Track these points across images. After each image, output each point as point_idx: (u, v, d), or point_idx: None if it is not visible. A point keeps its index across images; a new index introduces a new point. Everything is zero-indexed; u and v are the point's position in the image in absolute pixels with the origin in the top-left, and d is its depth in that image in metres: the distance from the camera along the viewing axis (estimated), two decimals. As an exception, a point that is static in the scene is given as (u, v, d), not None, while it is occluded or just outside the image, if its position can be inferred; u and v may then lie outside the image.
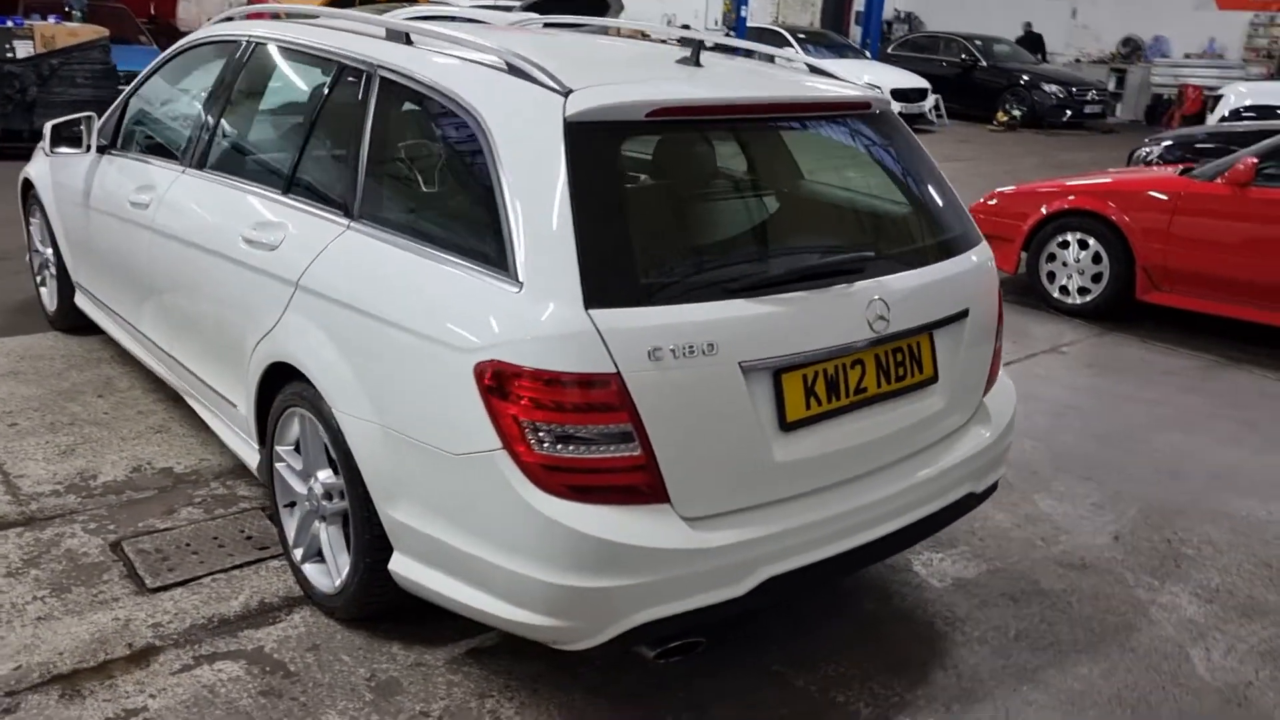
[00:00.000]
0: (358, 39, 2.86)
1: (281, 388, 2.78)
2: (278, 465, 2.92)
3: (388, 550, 2.50)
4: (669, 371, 2.11)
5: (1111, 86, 19.06)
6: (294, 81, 3.28)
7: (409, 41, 2.71)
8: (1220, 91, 12.05)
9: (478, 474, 2.17)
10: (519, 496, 2.12)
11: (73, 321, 4.57)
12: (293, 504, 2.94)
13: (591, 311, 2.08)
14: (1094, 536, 3.47)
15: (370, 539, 2.53)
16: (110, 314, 4.03)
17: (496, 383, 2.12)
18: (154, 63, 3.97)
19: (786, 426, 2.28)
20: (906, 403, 2.50)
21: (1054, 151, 14.27)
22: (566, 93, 2.26)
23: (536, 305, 2.11)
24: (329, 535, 2.74)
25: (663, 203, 2.47)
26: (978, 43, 18.09)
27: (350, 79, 2.82)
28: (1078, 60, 20.99)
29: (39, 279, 4.85)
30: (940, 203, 2.75)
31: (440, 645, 2.70)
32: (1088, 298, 6.08)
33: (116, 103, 4.06)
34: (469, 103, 2.38)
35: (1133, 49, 20.91)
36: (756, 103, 2.50)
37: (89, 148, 3.97)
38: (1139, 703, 2.61)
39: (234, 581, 2.94)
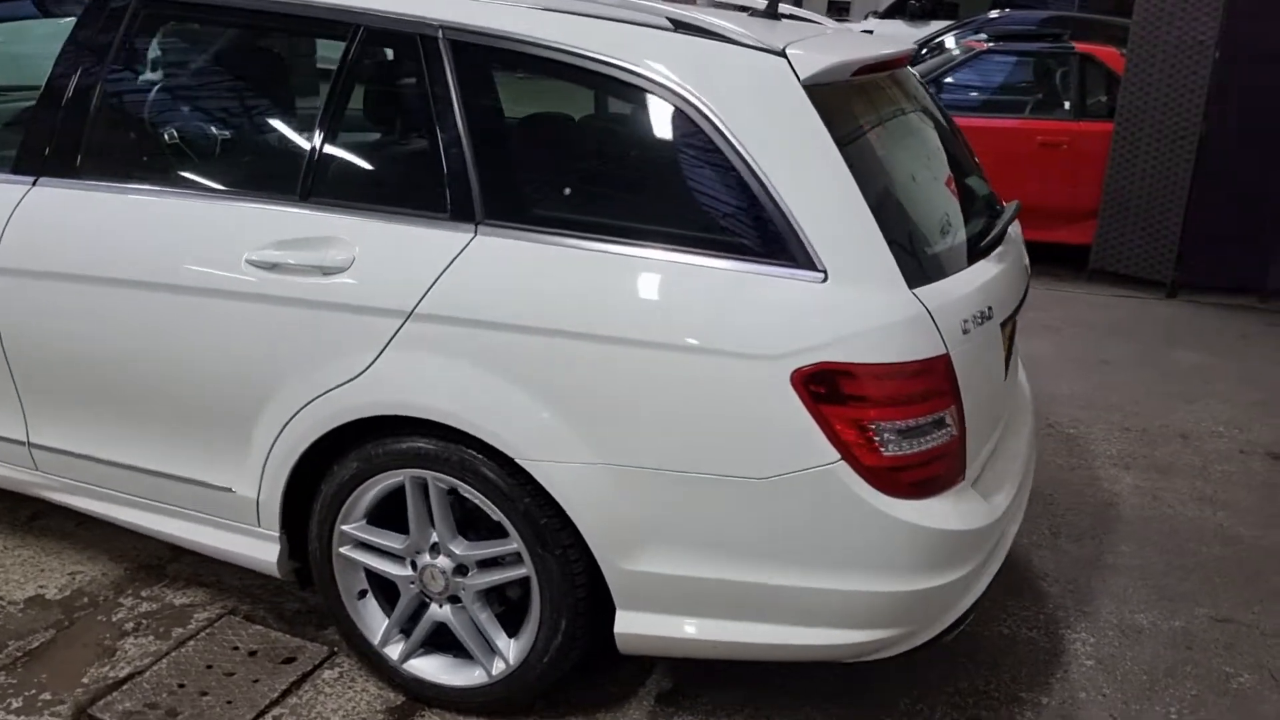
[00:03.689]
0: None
1: (340, 453, 2.16)
2: (342, 550, 2.27)
3: (598, 613, 2.10)
4: (972, 342, 2.01)
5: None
6: (280, 54, 2.45)
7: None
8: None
9: (805, 494, 1.89)
10: (870, 507, 1.89)
11: None
12: (364, 592, 2.32)
13: (915, 291, 1.91)
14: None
15: (574, 603, 2.09)
16: None
17: (828, 387, 1.85)
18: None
19: (1005, 378, 2.30)
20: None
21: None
22: (780, 52, 2.00)
23: (856, 293, 1.87)
24: (480, 617, 2.21)
25: (890, 166, 2.24)
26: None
27: (389, 49, 2.19)
28: None
29: None
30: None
31: (625, 702, 2.33)
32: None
33: None
34: (657, 70, 1.98)
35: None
36: (903, 57, 2.40)
37: None
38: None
39: (300, 716, 2.25)
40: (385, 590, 2.34)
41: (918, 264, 1.94)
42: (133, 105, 2.42)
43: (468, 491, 2.10)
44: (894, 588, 1.94)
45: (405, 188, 2.20)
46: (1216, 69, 5.69)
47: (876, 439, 1.87)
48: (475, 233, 2.04)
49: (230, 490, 2.33)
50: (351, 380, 2.10)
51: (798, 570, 1.95)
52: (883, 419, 1.87)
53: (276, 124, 2.46)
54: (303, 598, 2.68)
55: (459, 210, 2.06)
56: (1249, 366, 4.87)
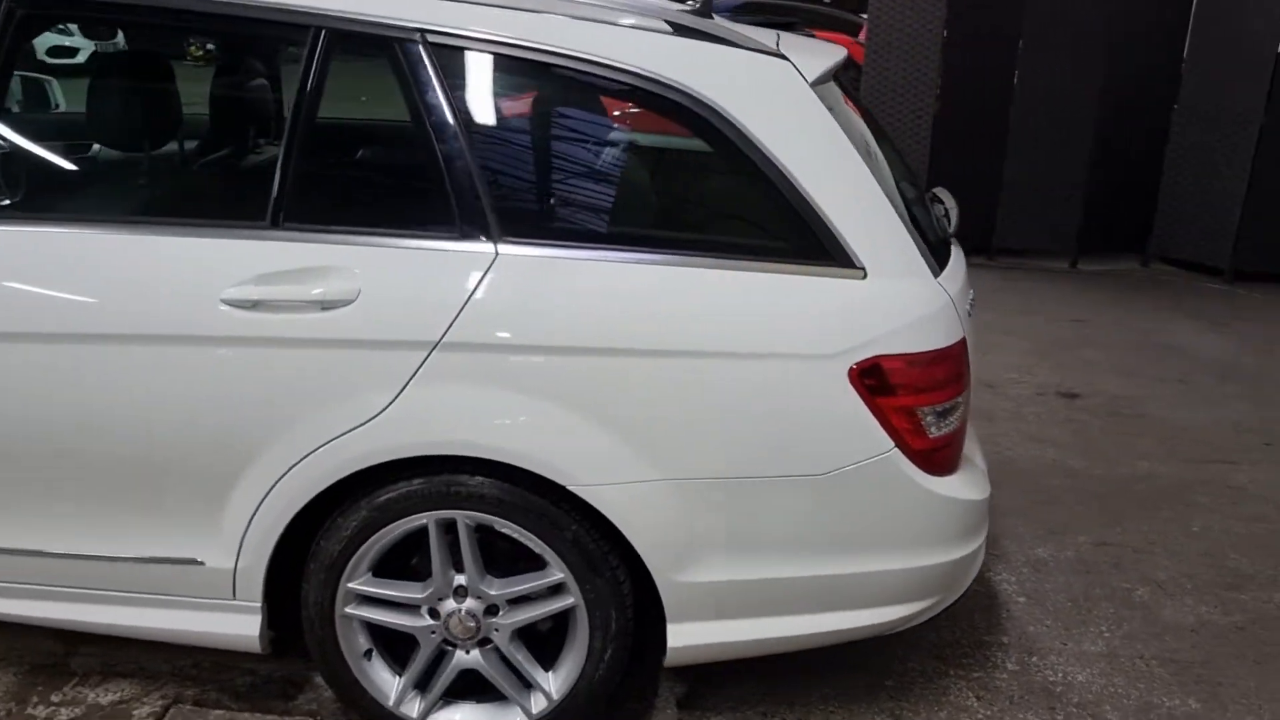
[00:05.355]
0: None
1: (336, 505, 1.97)
2: (348, 610, 2.07)
3: (642, 631, 2.07)
4: (969, 325, 2.16)
5: None
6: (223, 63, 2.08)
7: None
8: None
9: (863, 484, 1.96)
10: (920, 488, 1.99)
11: None
12: (369, 652, 2.13)
13: (940, 280, 2.02)
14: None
15: (623, 625, 2.05)
16: None
17: (880, 379, 1.93)
18: None
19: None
20: None
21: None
22: (782, 55, 2.03)
23: (895, 287, 1.95)
24: (517, 657, 2.09)
25: (874, 163, 2.28)
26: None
27: (360, 51, 1.97)
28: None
29: None
30: None
31: (650, 714, 2.30)
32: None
33: None
34: (664, 73, 1.94)
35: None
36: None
37: None
38: (1037, 500, 3.45)
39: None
40: (389, 646, 2.15)
41: (931, 255, 2.06)
42: (45, 123, 2.02)
43: (505, 526, 1.98)
44: (938, 559, 2.07)
45: (404, 207, 2.01)
46: (946, 52, 6.37)
47: (923, 423, 1.98)
48: (496, 251, 1.91)
49: (198, 562, 2.04)
50: (367, 423, 1.91)
51: (854, 557, 2.03)
52: (926, 404, 1.98)
53: (235, 141, 2.15)
54: (250, 669, 2.39)
55: (471, 228, 1.92)
56: (1010, 321, 5.54)
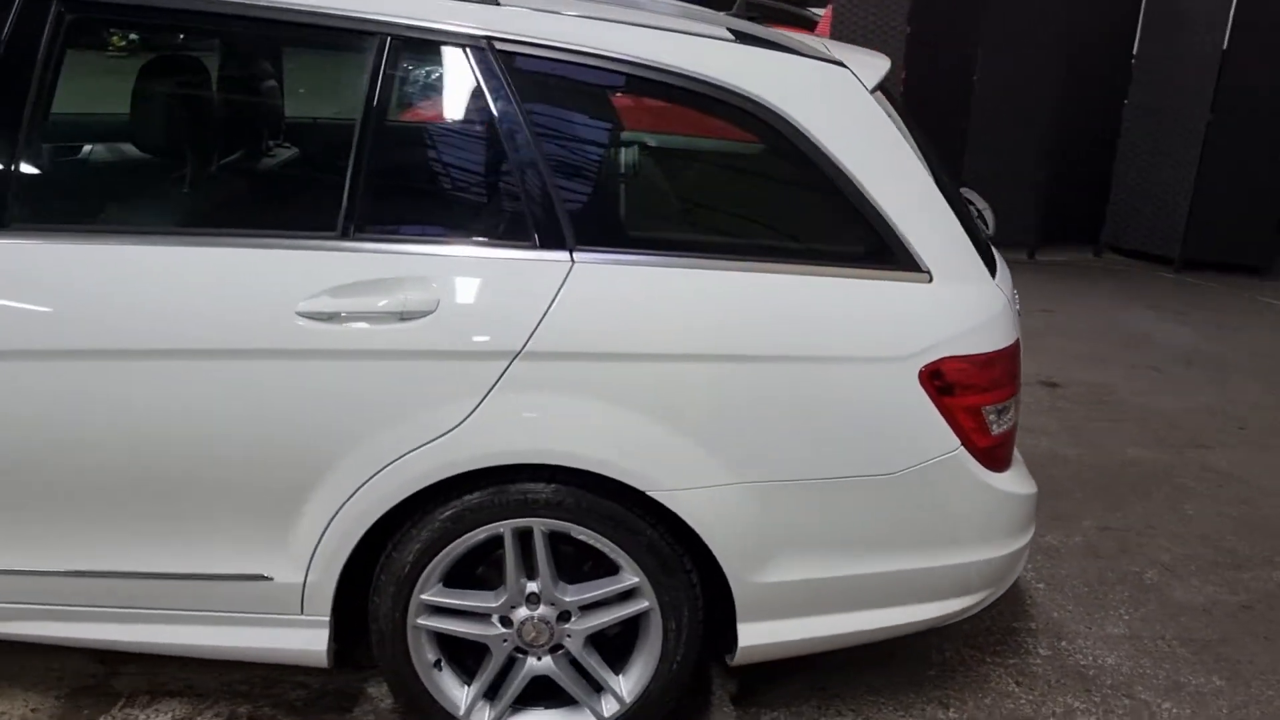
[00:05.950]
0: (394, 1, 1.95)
1: (408, 517, 1.97)
2: (420, 620, 2.06)
3: (713, 632, 2.10)
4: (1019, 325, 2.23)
5: None
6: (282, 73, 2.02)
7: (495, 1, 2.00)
8: None
9: (932, 482, 2.01)
10: (984, 485, 2.05)
11: None
12: (439, 662, 2.12)
13: (996, 282, 2.09)
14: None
15: (695, 625, 2.08)
16: None
17: (947, 380, 1.98)
18: None
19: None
20: None
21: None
22: (840, 63, 2.07)
23: (959, 290, 2.01)
24: (590, 661, 2.10)
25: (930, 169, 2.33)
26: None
27: (423, 59, 1.96)
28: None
29: None
30: None
31: (707, 714, 2.33)
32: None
33: None
34: (733, 81, 1.96)
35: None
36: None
37: None
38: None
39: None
40: (455, 656, 2.15)
41: (986, 258, 2.12)
42: (116, 134, 1.96)
43: (581, 533, 1.99)
44: (996, 553, 2.14)
45: (477, 216, 2.00)
46: (909, 49, 6.50)
47: (986, 421, 2.04)
48: (571, 259, 1.92)
49: (266, 578, 2.01)
50: (447, 434, 1.90)
51: (920, 553, 2.08)
52: (988, 403, 2.04)
53: (301, 150, 2.11)
54: (302, 682, 2.37)
55: (547, 237, 1.92)
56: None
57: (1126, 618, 2.80)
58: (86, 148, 1.97)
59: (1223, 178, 6.61)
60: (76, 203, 1.97)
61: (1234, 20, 6.35)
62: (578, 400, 1.91)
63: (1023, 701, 2.44)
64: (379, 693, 2.34)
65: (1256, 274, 6.87)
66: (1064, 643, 2.67)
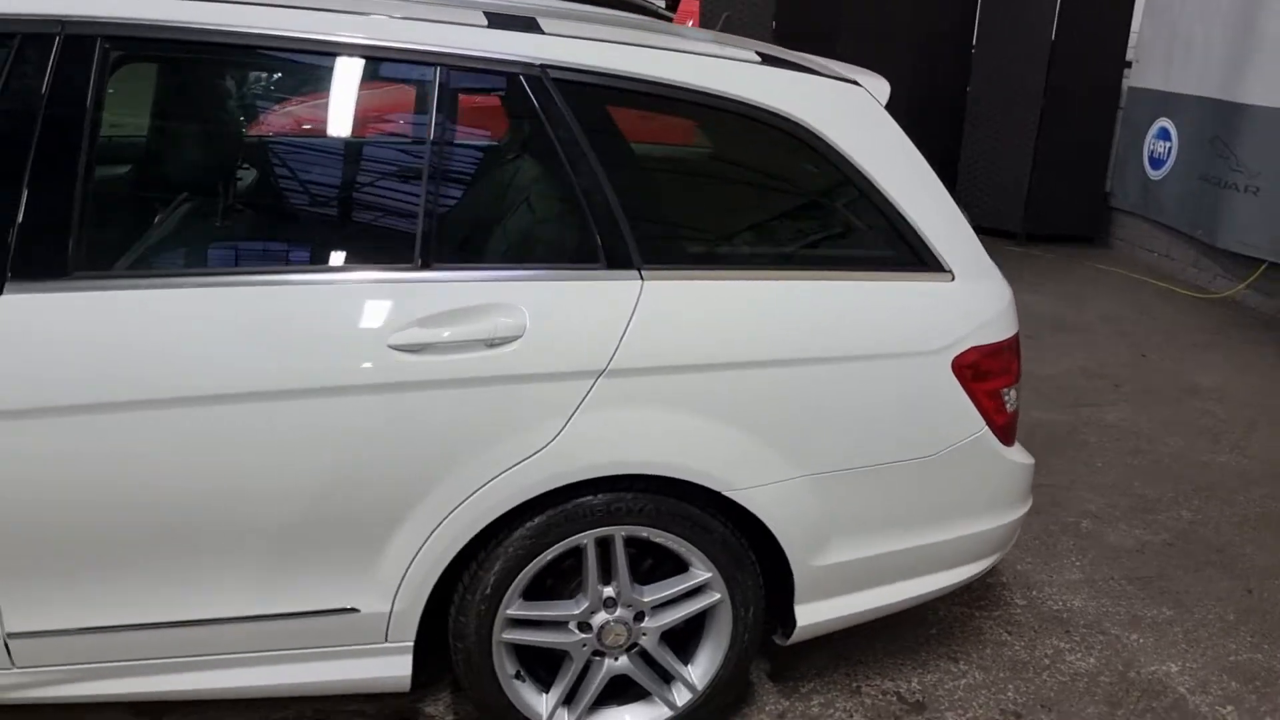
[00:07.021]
0: (438, 28, 1.98)
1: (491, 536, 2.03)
2: (505, 635, 2.12)
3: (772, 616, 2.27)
4: (1010, 311, 2.49)
5: None
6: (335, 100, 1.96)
7: (538, 29, 2.06)
8: None
9: (964, 459, 2.23)
10: (1003, 458, 2.29)
11: None
12: (519, 674, 2.19)
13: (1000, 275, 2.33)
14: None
15: (758, 612, 2.23)
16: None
17: (974, 368, 2.21)
18: None
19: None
20: None
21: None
22: (855, 82, 2.26)
23: (978, 286, 2.23)
24: (665, 657, 2.22)
25: None
26: None
27: (493, 90, 2.00)
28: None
29: None
30: None
31: (750, 692, 2.49)
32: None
33: None
34: (767, 101, 2.11)
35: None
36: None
37: None
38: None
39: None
40: (529, 665, 2.23)
41: (990, 255, 2.36)
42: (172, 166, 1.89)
43: (659, 536, 2.10)
44: (1008, 518, 2.39)
45: (548, 241, 2.06)
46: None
47: (1004, 401, 2.28)
48: (641, 278, 2.02)
49: (353, 610, 2.02)
50: (536, 454, 1.97)
51: (952, 524, 2.31)
52: (1004, 385, 2.28)
53: (373, 180, 2.09)
54: (358, 709, 2.37)
55: (615, 258, 2.02)
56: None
57: (1078, 564, 3.15)
58: (153, 193, 1.91)
59: (1056, 158, 7.27)
60: (148, 249, 1.90)
61: (1060, 16, 6.99)
62: (657, 412, 2.02)
63: (1017, 648, 2.72)
64: (436, 711, 2.38)
65: (1090, 243, 7.60)
66: (1034, 591, 2.99)
